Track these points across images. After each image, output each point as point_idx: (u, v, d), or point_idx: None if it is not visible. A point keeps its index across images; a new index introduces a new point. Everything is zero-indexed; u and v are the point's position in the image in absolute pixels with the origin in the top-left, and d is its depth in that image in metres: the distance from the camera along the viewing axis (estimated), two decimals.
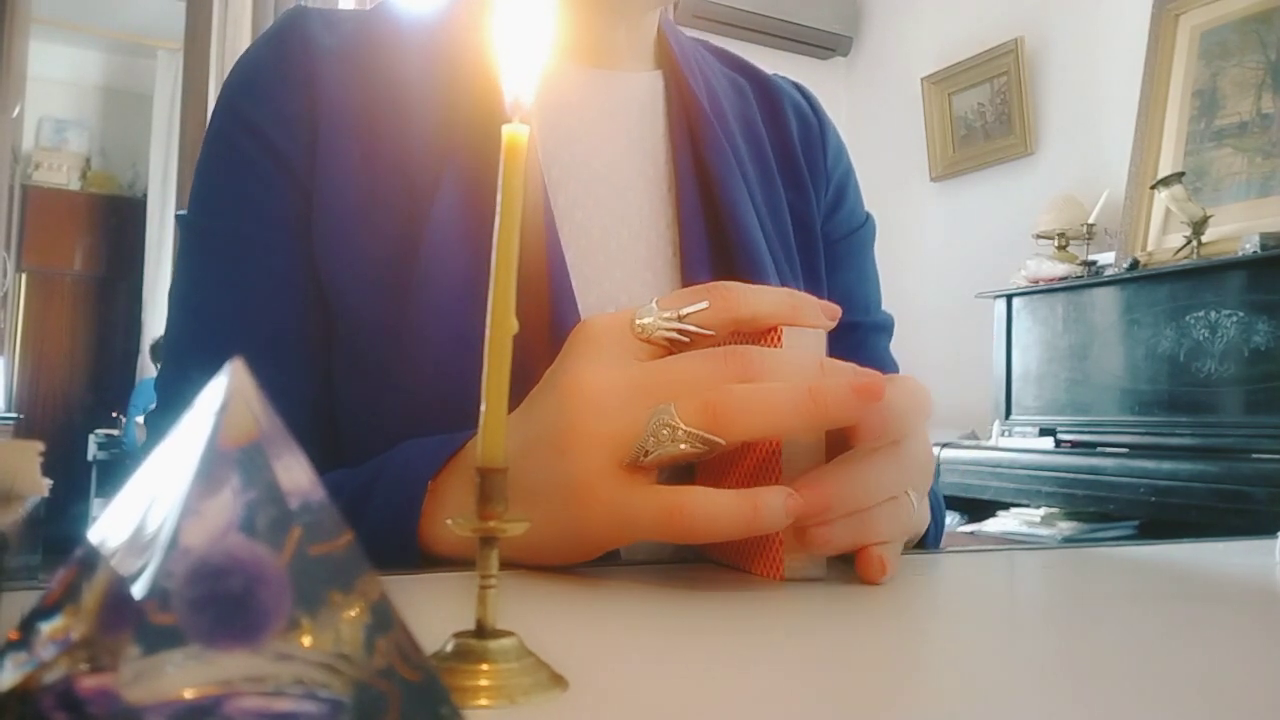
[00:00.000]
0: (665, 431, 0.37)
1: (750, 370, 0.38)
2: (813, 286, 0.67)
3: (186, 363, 0.58)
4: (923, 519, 0.45)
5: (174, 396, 0.58)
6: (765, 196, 0.66)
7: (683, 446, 0.37)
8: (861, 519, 0.40)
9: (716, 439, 0.37)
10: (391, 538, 0.45)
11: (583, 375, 0.40)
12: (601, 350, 0.41)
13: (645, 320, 0.41)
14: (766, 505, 0.37)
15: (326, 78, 0.58)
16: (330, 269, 0.56)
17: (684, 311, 0.41)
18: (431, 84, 0.59)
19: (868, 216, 0.76)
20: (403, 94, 0.59)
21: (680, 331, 0.40)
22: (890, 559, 0.41)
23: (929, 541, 0.57)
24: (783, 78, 0.76)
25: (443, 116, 0.58)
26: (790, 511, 0.38)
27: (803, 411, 0.37)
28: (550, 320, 0.55)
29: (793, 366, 0.39)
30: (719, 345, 0.41)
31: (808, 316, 0.41)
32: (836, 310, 0.43)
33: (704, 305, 0.40)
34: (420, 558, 0.45)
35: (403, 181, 0.57)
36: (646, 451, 0.38)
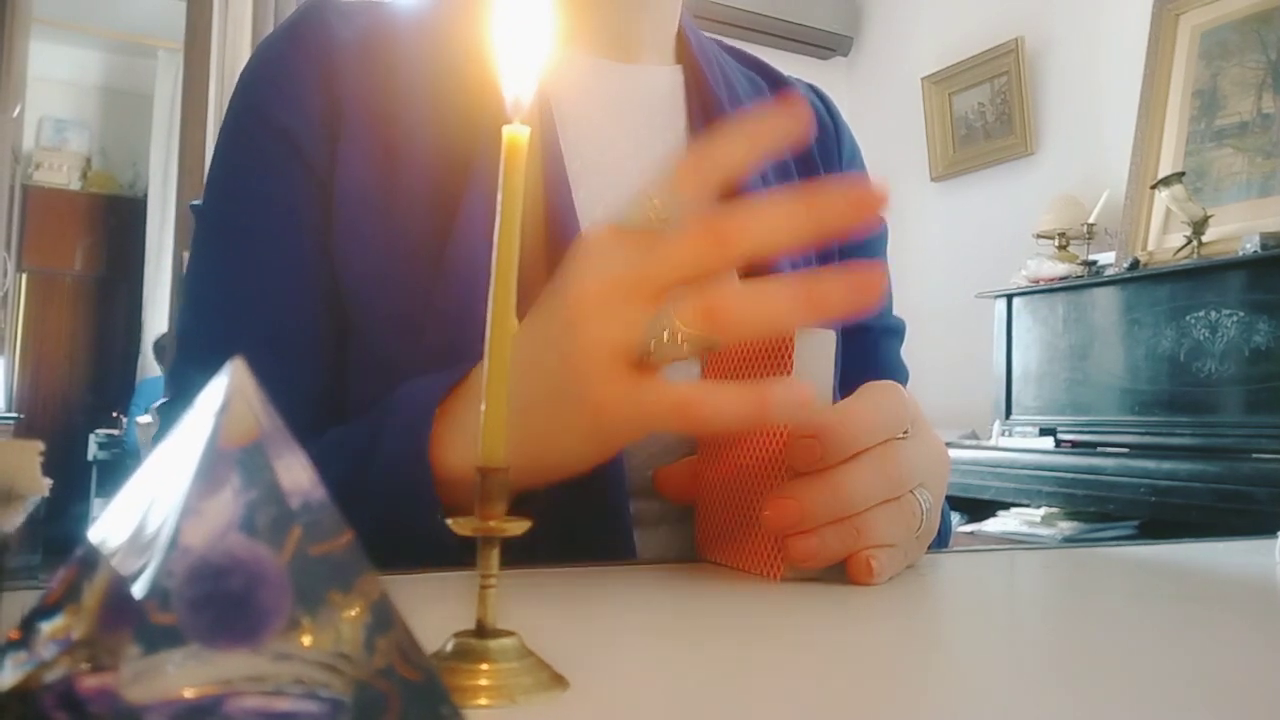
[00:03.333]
0: (665, 335, 0.38)
1: (731, 240, 0.38)
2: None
3: (198, 355, 0.58)
4: (938, 517, 0.45)
5: (186, 388, 0.58)
6: None
7: (684, 348, 0.38)
8: (854, 524, 0.41)
9: (716, 340, 0.37)
10: (405, 471, 0.44)
11: (580, 279, 0.40)
12: (596, 255, 0.40)
13: (634, 214, 0.40)
14: (774, 398, 0.37)
15: (347, 72, 0.58)
16: (347, 264, 0.56)
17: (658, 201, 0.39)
18: (453, 78, 0.58)
19: (880, 221, 0.76)
20: (425, 89, 0.58)
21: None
22: (886, 562, 0.41)
23: (936, 542, 0.57)
24: (798, 79, 0.76)
25: (466, 112, 0.57)
26: (800, 403, 0.38)
27: (801, 310, 0.37)
28: None
29: (771, 224, 0.38)
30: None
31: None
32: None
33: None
34: (435, 490, 0.44)
35: (426, 178, 0.57)
36: (649, 353, 0.38)
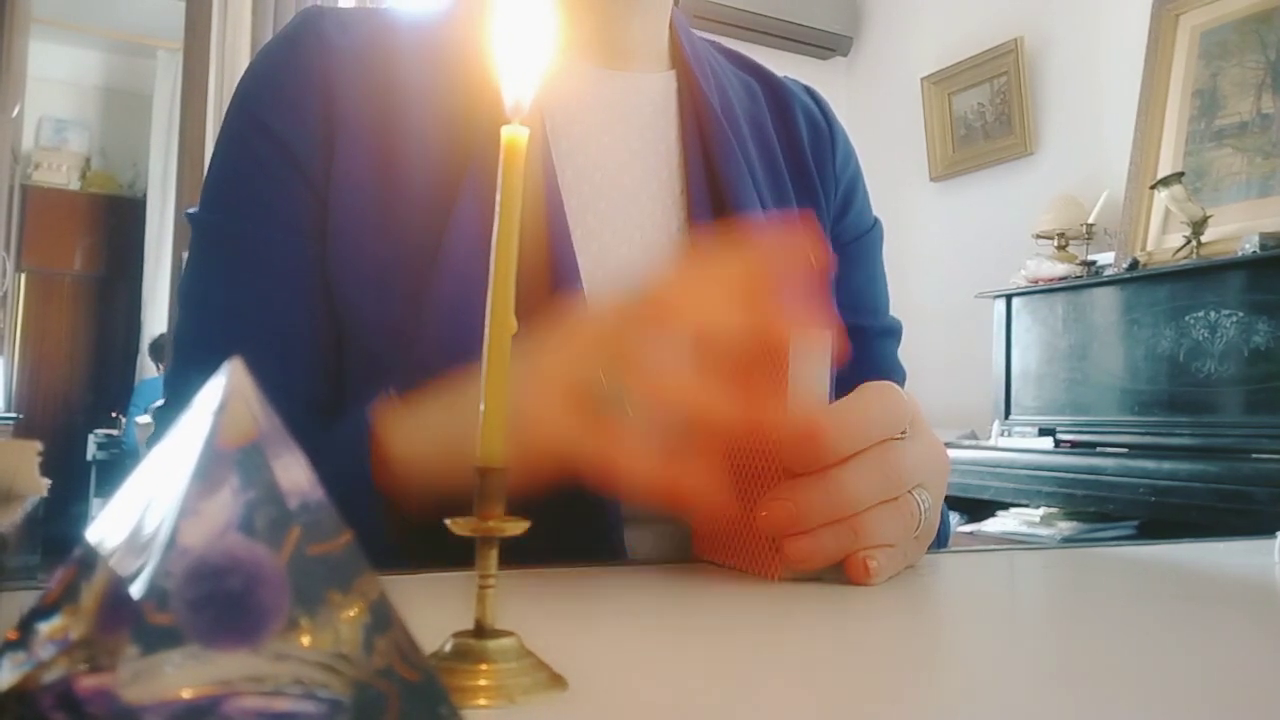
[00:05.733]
0: (614, 398, 0.39)
1: (668, 318, 0.41)
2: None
3: (194, 360, 0.58)
4: (937, 517, 0.45)
5: (181, 393, 0.58)
6: (775, 200, 0.66)
7: (633, 416, 0.39)
8: (851, 525, 0.41)
9: (660, 418, 0.39)
10: (349, 464, 0.46)
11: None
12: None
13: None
14: (689, 488, 0.39)
15: (343, 80, 0.58)
16: (343, 271, 0.56)
17: None
18: (448, 87, 0.59)
19: (875, 220, 0.76)
20: (419, 97, 0.59)
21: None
22: (885, 562, 0.41)
23: (935, 543, 0.57)
24: (793, 80, 0.76)
25: (461, 120, 0.58)
26: (718, 507, 0.41)
27: (730, 413, 0.41)
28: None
29: (708, 308, 0.41)
30: (744, 363, 0.43)
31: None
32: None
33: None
34: (368, 447, 0.47)
35: (420, 186, 0.57)
36: (598, 404, 0.40)
